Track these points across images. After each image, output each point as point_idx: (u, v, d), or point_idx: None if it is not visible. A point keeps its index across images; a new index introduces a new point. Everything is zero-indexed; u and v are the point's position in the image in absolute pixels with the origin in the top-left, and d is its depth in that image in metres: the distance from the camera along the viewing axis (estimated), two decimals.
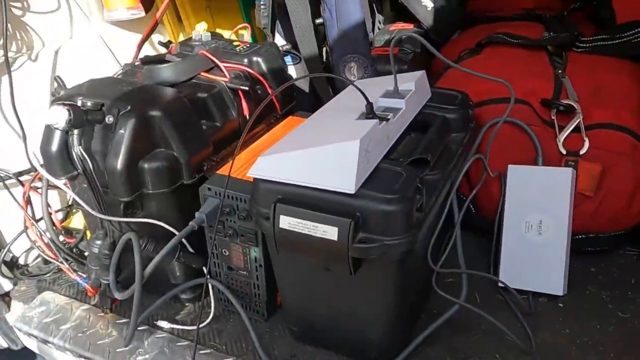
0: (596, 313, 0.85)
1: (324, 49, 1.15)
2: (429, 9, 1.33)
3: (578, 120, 0.92)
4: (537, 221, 0.87)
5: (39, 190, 0.95)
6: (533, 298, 0.87)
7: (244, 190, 0.75)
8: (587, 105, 0.94)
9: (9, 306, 0.98)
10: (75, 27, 1.16)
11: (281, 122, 0.98)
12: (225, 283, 0.87)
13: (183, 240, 0.83)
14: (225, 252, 0.83)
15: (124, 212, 0.79)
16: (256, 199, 0.68)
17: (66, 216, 1.10)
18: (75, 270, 0.93)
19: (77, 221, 1.07)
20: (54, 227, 0.93)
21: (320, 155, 0.61)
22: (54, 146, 0.79)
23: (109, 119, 0.77)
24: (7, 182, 0.99)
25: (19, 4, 1.03)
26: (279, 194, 0.65)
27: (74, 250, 0.99)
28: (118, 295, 0.77)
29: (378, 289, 0.68)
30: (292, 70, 1.20)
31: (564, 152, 0.92)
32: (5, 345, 1.01)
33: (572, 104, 0.92)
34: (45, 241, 0.94)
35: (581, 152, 0.91)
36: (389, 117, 0.70)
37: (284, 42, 1.19)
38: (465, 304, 0.78)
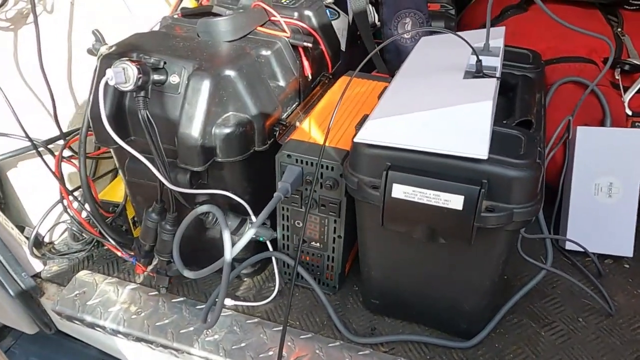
0: None
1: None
2: None
3: None
4: (607, 183, 0.86)
5: (73, 161, 0.86)
6: (599, 260, 0.87)
7: (330, 157, 0.69)
8: None
9: (41, 288, 0.88)
10: None
11: (337, 83, 0.91)
12: (293, 255, 0.81)
13: (250, 212, 0.77)
14: (298, 223, 0.77)
15: (190, 183, 0.72)
16: (356, 166, 0.63)
17: None
18: (121, 247, 0.84)
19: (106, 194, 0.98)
20: (95, 200, 0.83)
21: (446, 117, 0.55)
22: (107, 110, 0.70)
23: (174, 79, 0.68)
24: (27, 152, 0.88)
25: None
26: (389, 160, 0.59)
27: (112, 225, 0.91)
28: (190, 275, 0.70)
29: (487, 258, 0.64)
30: None
31: (630, 113, 0.90)
32: (36, 329, 0.93)
33: (639, 62, 0.90)
34: (83, 215, 0.85)
35: None
36: (497, 75, 0.65)
37: None
38: (553, 269, 0.76)
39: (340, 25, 1.11)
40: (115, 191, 0.94)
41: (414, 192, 0.58)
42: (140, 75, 0.62)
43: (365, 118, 0.66)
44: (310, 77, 0.85)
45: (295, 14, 0.88)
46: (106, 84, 0.60)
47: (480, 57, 0.70)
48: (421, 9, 0.97)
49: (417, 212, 0.59)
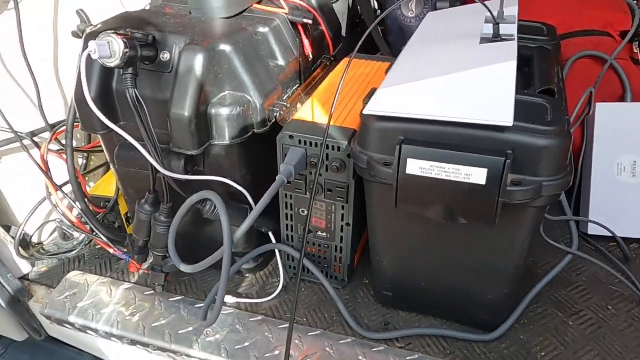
0: None
1: None
2: None
3: None
4: (631, 162, 0.81)
5: (63, 155, 0.80)
6: (624, 244, 0.82)
7: (336, 136, 0.64)
8: None
9: (29, 291, 0.83)
10: None
11: (340, 64, 0.86)
12: (298, 247, 0.76)
13: (251, 200, 0.72)
14: (303, 211, 0.71)
15: (184, 170, 0.66)
16: (366, 143, 0.57)
17: None
18: (113, 244, 0.79)
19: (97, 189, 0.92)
20: (84, 195, 0.78)
21: (464, 82, 0.50)
22: (93, 92, 0.64)
23: (164, 56, 0.63)
24: (11, 144, 0.82)
25: None
26: (402, 133, 0.54)
27: (104, 222, 0.85)
28: (187, 269, 0.64)
29: (511, 239, 0.59)
30: None
31: None
32: (25, 335, 0.87)
33: None
34: (74, 213, 0.80)
35: None
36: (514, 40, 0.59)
37: None
38: (581, 253, 0.71)
39: (340, 9, 1.06)
40: (107, 185, 0.88)
41: (431, 167, 0.52)
42: (127, 50, 0.56)
43: (373, 91, 0.61)
44: (311, 57, 0.79)
45: None
46: (89, 58, 0.55)
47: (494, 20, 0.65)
48: None
49: (435, 190, 0.53)
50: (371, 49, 1.07)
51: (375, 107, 0.54)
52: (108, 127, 0.65)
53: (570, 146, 0.52)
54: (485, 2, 0.75)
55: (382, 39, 0.97)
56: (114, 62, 0.57)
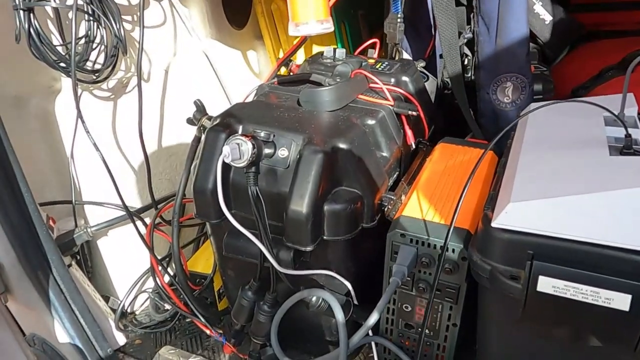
0: None
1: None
2: (546, 22, 1.22)
3: None
4: None
5: (161, 229, 0.83)
6: None
7: (453, 238, 0.62)
8: None
9: None
10: (179, 44, 1.04)
11: (436, 150, 0.86)
12: (397, 341, 0.74)
13: (353, 294, 0.71)
14: (406, 307, 0.70)
15: (293, 262, 0.67)
16: (489, 252, 0.56)
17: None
18: (211, 326, 0.80)
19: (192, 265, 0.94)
20: (185, 272, 0.80)
21: (608, 202, 0.48)
22: (211, 184, 0.67)
23: (282, 152, 0.65)
24: (121, 221, 0.86)
25: (129, 17, 0.91)
26: (531, 247, 0.52)
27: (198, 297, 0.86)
28: None
29: None
30: None
31: None
32: None
33: None
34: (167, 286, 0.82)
35: None
36: None
37: (410, 59, 1.07)
38: None
39: (430, 88, 1.07)
40: (199, 261, 0.90)
41: (565, 287, 0.50)
42: (255, 151, 0.59)
43: (492, 197, 0.60)
44: (413, 146, 0.80)
45: (392, 80, 0.85)
46: (223, 161, 0.58)
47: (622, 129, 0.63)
48: (524, 73, 0.91)
49: (568, 310, 0.51)
50: (462, 129, 1.05)
51: (505, 221, 0.52)
52: (221, 216, 0.67)
53: None
54: (598, 98, 0.74)
55: (475, 122, 0.96)
56: (242, 163, 0.59)
